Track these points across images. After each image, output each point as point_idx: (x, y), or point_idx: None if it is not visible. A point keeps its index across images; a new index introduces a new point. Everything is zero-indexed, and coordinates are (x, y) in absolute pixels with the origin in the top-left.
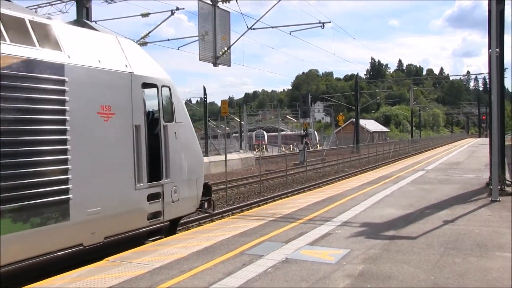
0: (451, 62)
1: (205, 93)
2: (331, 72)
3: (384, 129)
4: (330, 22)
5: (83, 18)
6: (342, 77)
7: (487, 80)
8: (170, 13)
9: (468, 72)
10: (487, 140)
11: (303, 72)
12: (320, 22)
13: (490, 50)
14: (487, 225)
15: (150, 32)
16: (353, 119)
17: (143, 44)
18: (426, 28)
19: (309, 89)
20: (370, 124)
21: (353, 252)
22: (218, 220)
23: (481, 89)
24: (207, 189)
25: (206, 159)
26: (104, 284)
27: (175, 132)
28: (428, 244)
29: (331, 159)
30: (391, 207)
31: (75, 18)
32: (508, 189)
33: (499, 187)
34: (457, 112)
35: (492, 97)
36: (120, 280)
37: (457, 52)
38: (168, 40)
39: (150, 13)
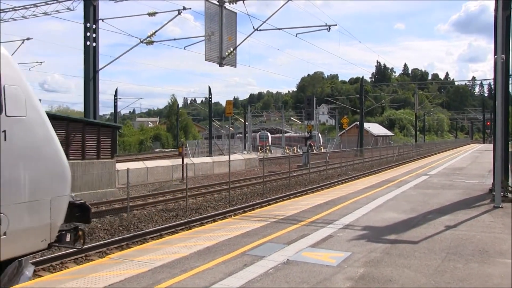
0: (456, 67)
1: (210, 93)
2: (337, 74)
3: (388, 133)
4: (336, 25)
5: (90, 15)
6: (347, 79)
7: (492, 86)
8: (176, 12)
9: (474, 77)
10: (491, 146)
11: (308, 74)
12: (326, 25)
13: (496, 56)
14: (489, 231)
15: (156, 31)
16: (357, 122)
17: (149, 43)
18: (431, 32)
19: (314, 91)
20: (374, 128)
21: (354, 255)
22: (220, 220)
23: (486, 94)
24: (83, 212)
25: (209, 159)
26: (106, 281)
27: (4, 131)
28: (429, 248)
29: (334, 161)
30: (394, 211)
31: (82, 15)
32: (511, 195)
33: (502, 193)
34: (461, 117)
35: (497, 103)
36: (121, 278)
37: (463, 57)
38: (175, 39)
39: (157, 12)
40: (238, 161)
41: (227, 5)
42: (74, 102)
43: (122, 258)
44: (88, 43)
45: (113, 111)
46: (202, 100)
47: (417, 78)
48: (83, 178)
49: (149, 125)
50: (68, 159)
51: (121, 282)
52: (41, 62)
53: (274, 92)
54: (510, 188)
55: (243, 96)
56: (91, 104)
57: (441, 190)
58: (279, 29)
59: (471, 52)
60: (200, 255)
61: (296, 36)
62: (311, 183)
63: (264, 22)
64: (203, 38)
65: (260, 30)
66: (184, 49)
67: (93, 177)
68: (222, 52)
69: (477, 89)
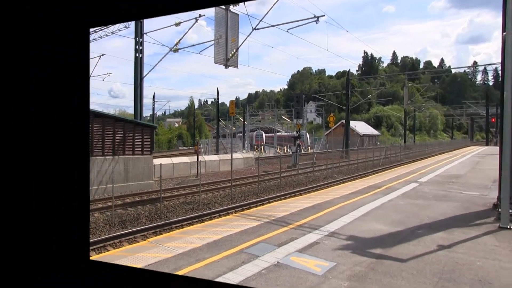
0: (454, 52)
1: (217, 95)
2: (324, 69)
3: (375, 132)
4: (324, 15)
5: (138, 31)
6: (334, 74)
7: (499, 72)
8: (194, 20)
9: (475, 62)
10: (496, 149)
11: (298, 71)
12: (314, 16)
13: (505, 33)
14: (492, 257)
15: (181, 39)
16: (344, 120)
17: (175, 50)
18: (425, 12)
19: (302, 88)
20: (360, 126)
21: (339, 266)
22: (224, 216)
23: (491, 83)
24: None
25: (217, 157)
26: (145, 261)
27: None
28: (419, 270)
29: (320, 163)
30: (380, 222)
31: (133, 31)
32: None
33: (510, 210)
34: (459, 113)
35: (506, 94)
36: (155, 260)
37: (462, 38)
38: (193, 45)
39: (181, 22)
40: (238, 160)
41: (231, 7)
42: (127, 106)
43: (156, 243)
44: (137, 54)
45: (151, 112)
46: (211, 101)
47: (407, 68)
48: (133, 171)
49: (175, 125)
50: (124, 154)
51: (155, 264)
52: (109, 74)
53: (268, 90)
54: None
55: (243, 95)
56: (138, 107)
57: (433, 202)
58: (273, 25)
59: (472, 30)
60: (209, 248)
61: (287, 31)
62: (299, 185)
63: (260, 20)
64: (213, 42)
65: (257, 29)
66: (200, 53)
67: (138, 170)
68: (227, 54)
69: (479, 77)
